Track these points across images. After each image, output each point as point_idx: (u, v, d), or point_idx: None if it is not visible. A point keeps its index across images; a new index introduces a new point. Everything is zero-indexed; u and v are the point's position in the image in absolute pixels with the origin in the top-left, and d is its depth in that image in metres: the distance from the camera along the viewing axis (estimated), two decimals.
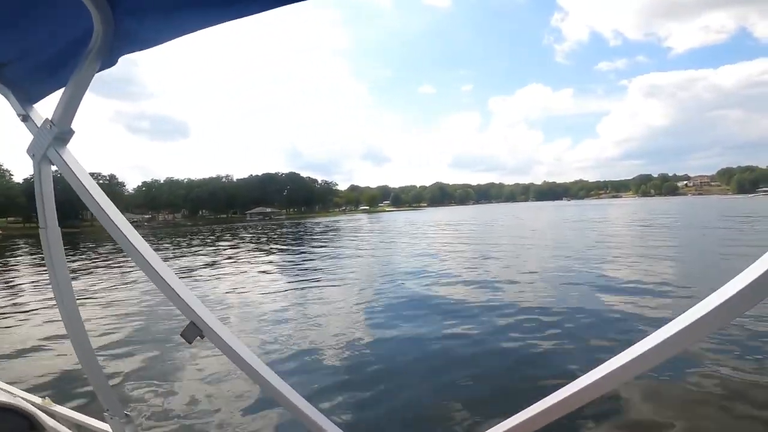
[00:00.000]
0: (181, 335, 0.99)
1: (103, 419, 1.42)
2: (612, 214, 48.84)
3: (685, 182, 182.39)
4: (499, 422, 0.81)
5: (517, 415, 0.80)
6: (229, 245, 27.31)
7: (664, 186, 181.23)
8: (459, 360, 5.39)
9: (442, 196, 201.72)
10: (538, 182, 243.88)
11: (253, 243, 28.78)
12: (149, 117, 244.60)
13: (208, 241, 33.40)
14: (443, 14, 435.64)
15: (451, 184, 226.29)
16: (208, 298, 9.72)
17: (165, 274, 0.99)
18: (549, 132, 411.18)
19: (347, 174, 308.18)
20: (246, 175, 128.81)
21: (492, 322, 6.92)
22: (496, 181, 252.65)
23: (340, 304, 8.61)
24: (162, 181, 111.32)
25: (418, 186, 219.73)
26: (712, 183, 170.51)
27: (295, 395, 1.02)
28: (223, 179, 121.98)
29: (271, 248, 23.78)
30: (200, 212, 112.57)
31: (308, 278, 12.24)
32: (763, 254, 0.59)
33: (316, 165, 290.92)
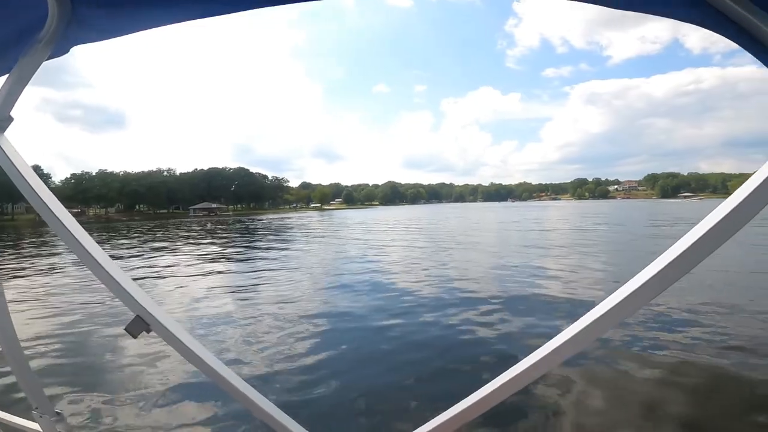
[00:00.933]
0: (125, 329, 0.96)
1: (32, 418, 1.36)
2: (552, 215, 52.45)
3: (615, 186, 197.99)
4: (447, 409, 0.86)
5: (459, 404, 0.86)
6: (167, 241, 26.24)
7: (597, 190, 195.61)
8: (406, 348, 5.47)
9: (394, 195, 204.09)
10: (486, 183, 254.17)
11: (194, 239, 27.82)
12: (83, 106, 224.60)
13: (145, 237, 32.08)
14: (403, 14, 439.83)
15: (403, 183, 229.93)
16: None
17: (109, 266, 0.96)
18: (497, 134, 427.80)
19: (299, 171, 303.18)
20: (190, 170, 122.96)
21: (440, 313, 7.08)
22: (447, 182, 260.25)
23: (288, 299, 8.52)
24: (94, 174, 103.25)
25: (370, 184, 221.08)
26: (639, 188, 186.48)
27: (248, 388, 1.01)
28: (165, 173, 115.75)
29: (214, 244, 23.29)
30: (137, 207, 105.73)
31: (253, 274, 12.12)
32: (665, 251, 0.69)
33: (267, 161, 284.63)
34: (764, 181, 0.65)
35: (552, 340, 0.78)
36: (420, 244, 20.04)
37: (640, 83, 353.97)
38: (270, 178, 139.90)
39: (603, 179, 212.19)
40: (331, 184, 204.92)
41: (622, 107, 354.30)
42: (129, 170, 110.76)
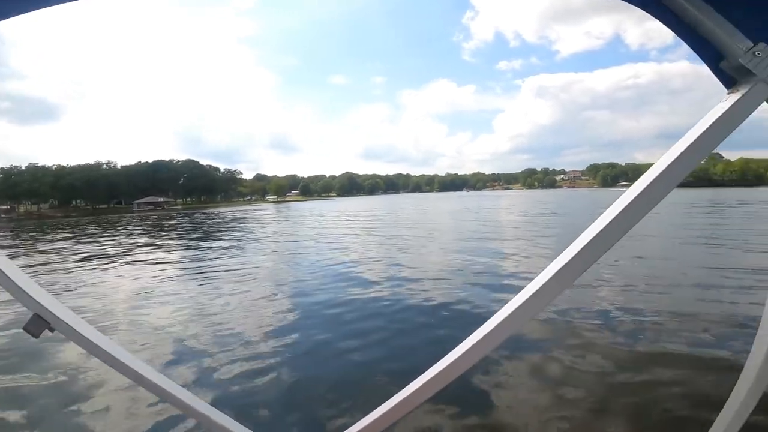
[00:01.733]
0: (23, 329, 0.91)
1: None
2: (503, 203, 55.13)
3: (561, 176, 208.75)
4: (381, 404, 0.91)
5: (400, 392, 0.89)
6: (109, 237, 25.16)
7: (546, 179, 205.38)
8: (351, 338, 5.53)
9: (351, 186, 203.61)
10: (442, 174, 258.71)
11: (137, 235, 26.81)
12: (11, 98, 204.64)
13: (80, 234, 30.43)
14: (361, 4, 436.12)
15: (361, 174, 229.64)
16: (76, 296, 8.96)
17: (1, 263, 0.91)
18: (452, 126, 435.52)
19: (253, 163, 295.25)
20: (133, 162, 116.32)
21: (391, 301, 7.24)
22: (404, 172, 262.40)
23: (236, 296, 8.39)
24: (24, 168, 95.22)
25: (327, 176, 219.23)
26: (583, 177, 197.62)
27: (171, 384, 0.98)
28: (104, 166, 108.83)
29: (159, 240, 22.63)
30: (74, 202, 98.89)
31: (200, 270, 11.92)
32: (567, 248, 0.76)
33: (218, 153, 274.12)
34: (663, 172, 0.72)
35: (480, 328, 0.82)
36: (377, 232, 20.63)
37: (584, 77, 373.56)
38: (222, 170, 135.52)
39: (550, 169, 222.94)
40: (287, 175, 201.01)
41: (567, 100, 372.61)
42: (64, 164, 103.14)
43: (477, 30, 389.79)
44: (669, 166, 0.72)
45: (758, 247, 11.71)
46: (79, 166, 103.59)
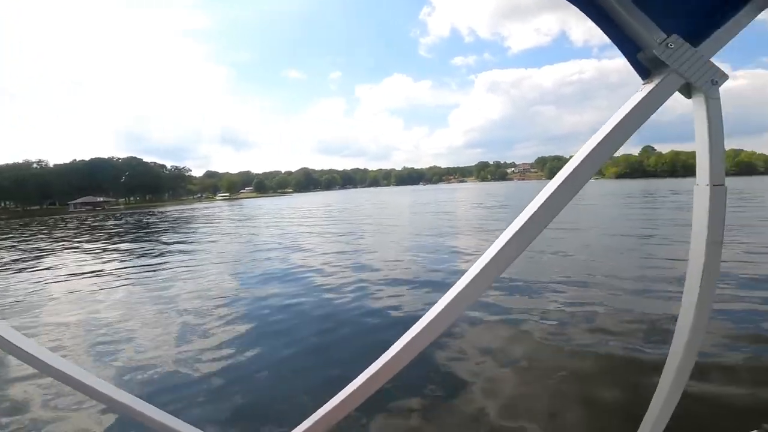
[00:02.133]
0: None
1: None
2: (459, 195, 56.73)
3: (512, 169, 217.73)
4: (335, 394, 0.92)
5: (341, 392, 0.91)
6: (44, 239, 23.19)
7: (497, 172, 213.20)
8: (304, 334, 5.59)
9: (308, 181, 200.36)
10: (399, 168, 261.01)
11: (77, 237, 24.98)
12: None
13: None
14: None
15: (317, 169, 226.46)
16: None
17: None
18: (409, 120, 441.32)
19: (203, 159, 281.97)
20: (67, 161, 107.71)
21: (350, 296, 7.34)
22: (361, 167, 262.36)
23: (171, 298, 8.16)
24: None
25: (283, 171, 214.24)
26: (532, 170, 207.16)
27: (107, 386, 0.97)
28: (35, 165, 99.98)
29: (99, 243, 21.07)
30: (3, 204, 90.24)
31: (145, 271, 11.58)
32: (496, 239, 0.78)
33: (164, 150, 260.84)
34: (584, 160, 0.76)
35: (420, 319, 0.84)
36: (333, 228, 20.55)
37: (533, 73, 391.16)
38: (169, 167, 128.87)
39: (502, 162, 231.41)
40: (240, 172, 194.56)
41: (517, 96, 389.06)
42: None
43: (434, 26, 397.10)
44: (589, 155, 0.75)
45: (683, 237, 12.26)
46: (7, 165, 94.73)
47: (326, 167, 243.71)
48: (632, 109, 0.76)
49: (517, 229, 0.78)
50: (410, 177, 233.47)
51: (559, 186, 0.76)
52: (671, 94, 0.76)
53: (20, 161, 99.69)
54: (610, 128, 0.76)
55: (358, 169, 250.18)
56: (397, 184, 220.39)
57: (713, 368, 3.83)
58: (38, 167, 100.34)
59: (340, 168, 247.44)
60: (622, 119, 0.76)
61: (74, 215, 69.93)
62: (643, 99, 0.76)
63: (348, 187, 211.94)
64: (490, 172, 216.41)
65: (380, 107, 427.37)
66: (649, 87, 0.76)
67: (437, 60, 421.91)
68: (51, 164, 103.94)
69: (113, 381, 4.59)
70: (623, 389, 3.71)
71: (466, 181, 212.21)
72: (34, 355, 0.91)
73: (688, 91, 0.78)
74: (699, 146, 0.79)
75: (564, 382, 3.94)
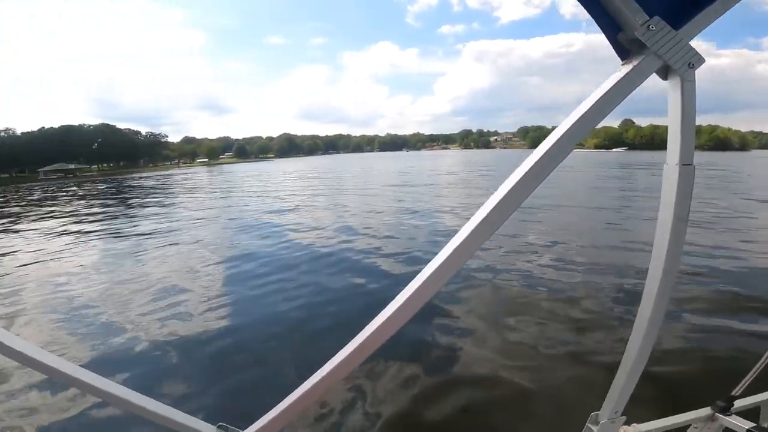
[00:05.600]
0: None
1: None
2: (444, 162, 56.79)
3: (495, 137, 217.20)
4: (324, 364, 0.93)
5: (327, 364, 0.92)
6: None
7: (481, 140, 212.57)
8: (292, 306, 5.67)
9: (290, 147, 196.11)
10: (382, 134, 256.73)
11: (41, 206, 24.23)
12: None
13: None
14: None
15: (299, 135, 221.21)
16: None
17: None
18: (394, 87, 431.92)
19: (180, 125, 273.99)
20: (35, 129, 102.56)
21: (335, 261, 7.66)
22: (344, 133, 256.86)
23: (166, 267, 8.20)
24: None
25: (264, 137, 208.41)
26: (514, 138, 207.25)
27: (94, 376, 0.97)
28: (2, 133, 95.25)
29: (71, 209, 20.49)
30: None
31: (124, 241, 11.45)
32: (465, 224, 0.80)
33: (138, 116, 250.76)
34: (563, 135, 0.77)
35: (399, 295, 0.84)
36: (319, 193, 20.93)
37: (521, 44, 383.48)
38: (144, 133, 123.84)
39: (485, 130, 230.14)
40: (219, 137, 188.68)
41: (504, 65, 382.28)
42: None
43: None
44: (568, 130, 0.76)
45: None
46: None
47: (308, 133, 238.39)
48: (610, 89, 0.77)
49: (499, 199, 0.78)
50: (394, 143, 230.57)
51: (540, 158, 0.77)
52: (648, 76, 0.77)
53: None
54: (588, 106, 0.77)
55: (341, 135, 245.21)
56: (381, 150, 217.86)
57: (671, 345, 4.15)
58: (5, 135, 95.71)
59: (322, 134, 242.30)
60: (599, 99, 0.77)
61: (44, 183, 67.41)
62: (621, 80, 0.77)
63: (330, 152, 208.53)
64: (473, 140, 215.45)
65: (365, 74, 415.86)
66: (628, 68, 0.77)
67: (425, 28, 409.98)
68: (18, 132, 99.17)
69: (83, 359, 4.55)
70: (591, 356, 3.99)
71: (449, 149, 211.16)
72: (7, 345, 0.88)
73: (664, 72, 0.79)
74: (671, 127, 0.81)
75: (535, 349, 4.23)
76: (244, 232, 11.89)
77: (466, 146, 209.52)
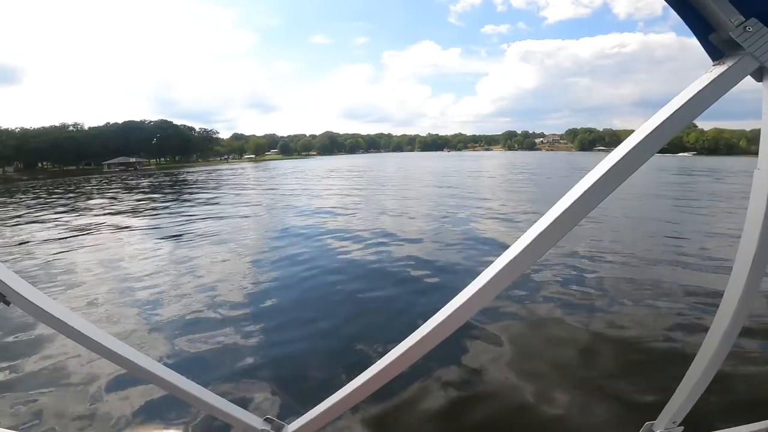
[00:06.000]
0: None
1: None
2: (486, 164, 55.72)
3: (541, 139, 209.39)
4: (387, 352, 0.92)
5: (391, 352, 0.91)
6: (75, 200, 24.46)
7: (525, 142, 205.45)
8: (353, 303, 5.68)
9: (332, 145, 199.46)
10: (423, 134, 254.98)
11: (109, 196, 26.13)
12: None
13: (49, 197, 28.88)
14: None
15: (341, 133, 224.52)
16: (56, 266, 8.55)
17: None
18: (436, 87, 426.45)
19: (230, 122, 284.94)
20: (101, 124, 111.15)
21: (381, 260, 7.59)
22: (385, 132, 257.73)
23: (221, 259, 8.36)
24: None
25: (307, 135, 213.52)
26: (561, 141, 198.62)
27: (151, 362, 0.98)
28: (71, 128, 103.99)
29: (133, 200, 22.12)
30: (41, 164, 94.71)
31: (180, 231, 11.97)
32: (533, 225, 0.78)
33: (193, 113, 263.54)
34: (644, 138, 0.73)
35: (456, 297, 0.83)
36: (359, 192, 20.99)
37: (569, 44, 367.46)
38: (197, 130, 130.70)
39: (530, 132, 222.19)
40: (265, 135, 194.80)
41: (551, 66, 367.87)
42: (27, 126, 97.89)
43: None
44: (650, 133, 0.73)
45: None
46: (44, 128, 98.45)
47: (350, 132, 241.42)
48: (701, 90, 0.73)
49: (567, 205, 0.75)
50: (435, 143, 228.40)
51: (618, 161, 0.73)
52: (743, 77, 0.74)
53: (57, 124, 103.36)
54: (676, 108, 0.73)
55: (382, 134, 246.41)
56: (422, 150, 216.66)
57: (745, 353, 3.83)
58: (74, 129, 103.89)
59: (363, 133, 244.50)
60: (688, 100, 0.73)
61: (108, 175, 72.96)
62: (713, 80, 0.73)
63: (372, 151, 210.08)
64: (517, 141, 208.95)
65: (407, 74, 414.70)
66: (721, 69, 0.74)
67: (467, 28, 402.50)
68: (86, 127, 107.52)
69: (136, 343, 4.68)
70: (652, 372, 3.75)
71: (491, 149, 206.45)
72: (64, 321, 0.90)
73: (759, 74, 0.76)
74: (765, 131, 0.77)
75: (590, 358, 4.06)
76: (288, 226, 12.14)
77: (510, 147, 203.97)
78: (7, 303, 0.87)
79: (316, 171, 46.67)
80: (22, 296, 0.87)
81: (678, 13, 0.75)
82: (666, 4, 0.74)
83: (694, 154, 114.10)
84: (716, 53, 0.77)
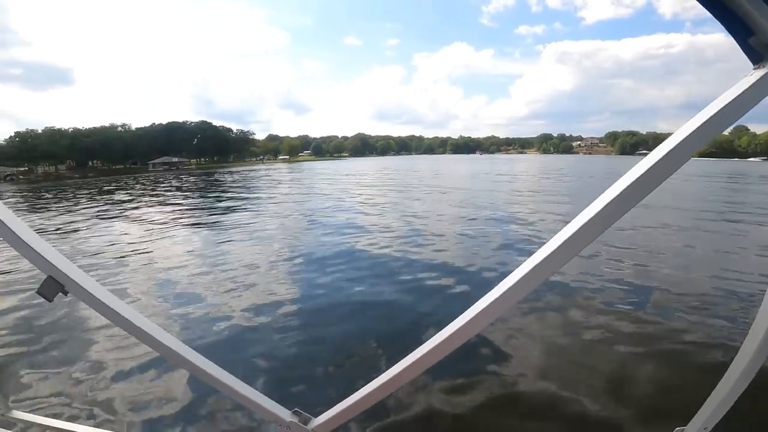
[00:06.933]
0: (37, 293, 0.91)
1: None
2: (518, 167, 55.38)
3: (578, 142, 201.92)
4: (403, 357, 0.95)
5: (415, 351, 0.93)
6: (128, 196, 26.16)
7: (561, 145, 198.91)
8: (379, 305, 5.85)
9: (363, 147, 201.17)
10: (455, 136, 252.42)
11: (159, 194, 27.81)
12: (23, 65, 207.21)
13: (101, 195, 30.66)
14: None
15: (373, 135, 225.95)
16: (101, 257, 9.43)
17: (12, 224, 0.89)
18: (468, 89, 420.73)
19: (265, 123, 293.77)
20: (147, 124, 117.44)
21: (409, 266, 7.69)
22: (417, 134, 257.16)
23: (259, 256, 8.87)
24: (40, 131, 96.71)
25: (339, 136, 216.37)
26: (600, 144, 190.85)
27: (186, 349, 1.01)
28: (119, 128, 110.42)
29: (178, 199, 23.71)
30: (91, 163, 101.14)
31: (223, 229, 12.65)
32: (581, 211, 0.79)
33: (230, 114, 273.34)
34: (682, 141, 0.73)
35: (485, 296, 0.84)
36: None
37: (610, 45, 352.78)
38: (235, 131, 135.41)
39: (567, 135, 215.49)
40: (299, 136, 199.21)
41: (590, 67, 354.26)
42: (79, 126, 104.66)
43: None
44: (688, 136, 0.72)
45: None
46: (95, 128, 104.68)
47: (381, 133, 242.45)
48: (740, 94, 0.72)
49: (603, 205, 0.75)
50: (467, 146, 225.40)
51: (654, 165, 0.72)
52: None
53: (107, 124, 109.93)
54: (714, 112, 0.72)
55: (413, 136, 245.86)
56: (453, 152, 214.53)
57: None
58: (122, 130, 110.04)
59: (395, 135, 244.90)
60: (728, 104, 0.72)
61: (153, 173, 77.07)
62: (753, 84, 0.72)
63: (403, 153, 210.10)
64: (553, 144, 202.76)
65: (439, 75, 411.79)
66: (761, 72, 0.73)
67: (500, 29, 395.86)
68: (133, 127, 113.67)
69: (179, 332, 5.11)
70: (685, 376, 3.81)
71: (525, 152, 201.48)
72: (116, 311, 0.94)
73: None
74: None
75: (627, 360, 4.11)
76: (318, 225, 12.67)
77: (545, 151, 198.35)
78: (66, 293, 0.90)
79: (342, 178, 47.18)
80: (79, 285, 0.91)
81: (715, 17, 0.74)
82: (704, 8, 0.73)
83: (766, 159, 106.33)
84: (756, 56, 0.76)
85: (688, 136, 0.72)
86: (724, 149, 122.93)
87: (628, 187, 0.74)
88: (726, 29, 0.75)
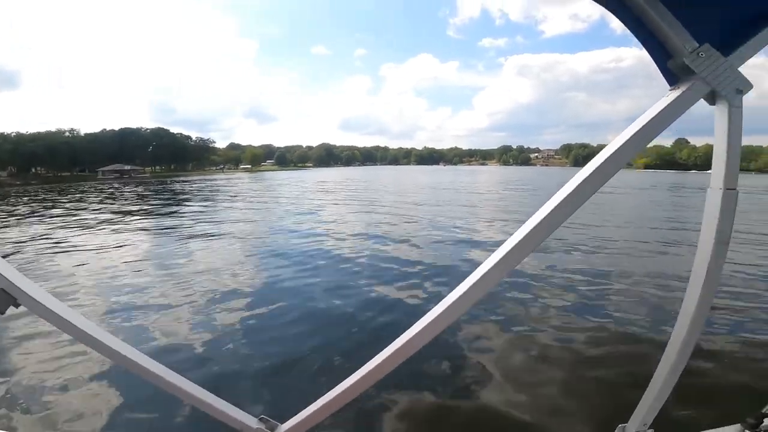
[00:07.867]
0: None
1: None
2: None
3: (536, 154, 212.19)
4: (362, 365, 0.97)
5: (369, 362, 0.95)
6: (71, 206, 24.39)
7: (520, 157, 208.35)
8: (335, 311, 5.75)
9: (328, 157, 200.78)
10: (420, 147, 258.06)
11: (101, 204, 26.09)
12: None
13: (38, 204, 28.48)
14: None
15: (338, 145, 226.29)
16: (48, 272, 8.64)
17: None
18: (433, 100, 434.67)
19: (227, 132, 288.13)
20: (97, 130, 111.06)
21: (366, 272, 7.66)
22: (382, 145, 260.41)
23: (216, 263, 8.63)
24: None
25: (304, 146, 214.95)
26: (556, 156, 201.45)
27: (148, 360, 1.01)
28: (67, 133, 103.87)
29: (125, 209, 22.18)
30: (34, 170, 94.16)
31: (172, 237, 12.19)
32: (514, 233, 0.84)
33: (191, 122, 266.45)
34: (610, 156, 0.79)
35: (441, 301, 0.88)
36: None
37: (567, 58, 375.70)
38: (194, 138, 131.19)
39: (526, 147, 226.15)
40: (262, 145, 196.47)
41: (549, 80, 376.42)
42: (23, 131, 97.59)
43: (463, 6, 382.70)
44: (616, 151, 0.79)
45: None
46: (40, 133, 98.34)
47: (347, 143, 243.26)
48: (657, 114, 0.78)
49: (542, 217, 0.80)
50: (431, 157, 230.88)
51: (587, 177, 0.79)
52: (695, 102, 0.79)
53: (53, 129, 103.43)
54: (636, 129, 0.78)
55: (378, 147, 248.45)
56: (418, 163, 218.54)
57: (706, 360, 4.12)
58: (70, 135, 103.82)
59: (360, 145, 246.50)
60: (647, 123, 0.78)
61: (103, 182, 72.55)
62: (668, 105, 0.78)
63: (368, 163, 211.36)
64: (512, 156, 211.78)
65: (405, 86, 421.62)
66: (675, 93, 0.78)
67: (466, 41, 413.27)
68: (82, 133, 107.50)
69: (133, 339, 4.77)
70: (622, 375, 3.95)
71: (486, 164, 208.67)
72: (69, 321, 0.93)
73: (712, 98, 0.80)
74: (716, 151, 0.82)
75: (565, 366, 4.26)
76: (280, 233, 12.42)
77: (505, 162, 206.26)
78: (17, 305, 0.88)
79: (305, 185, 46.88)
80: (31, 297, 0.89)
81: (638, 39, 0.79)
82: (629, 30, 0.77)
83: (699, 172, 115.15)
84: (672, 79, 0.81)
85: (616, 150, 0.79)
86: (666, 161, 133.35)
87: (568, 195, 0.80)
88: (648, 52, 0.81)
